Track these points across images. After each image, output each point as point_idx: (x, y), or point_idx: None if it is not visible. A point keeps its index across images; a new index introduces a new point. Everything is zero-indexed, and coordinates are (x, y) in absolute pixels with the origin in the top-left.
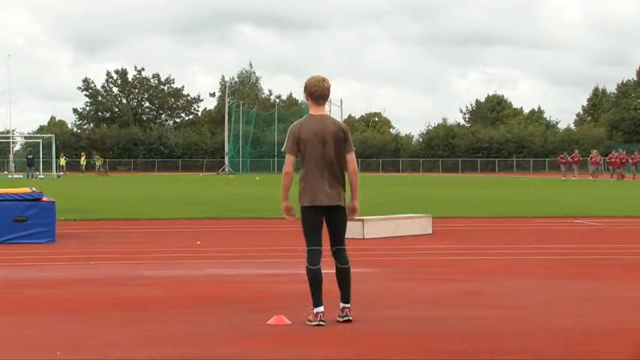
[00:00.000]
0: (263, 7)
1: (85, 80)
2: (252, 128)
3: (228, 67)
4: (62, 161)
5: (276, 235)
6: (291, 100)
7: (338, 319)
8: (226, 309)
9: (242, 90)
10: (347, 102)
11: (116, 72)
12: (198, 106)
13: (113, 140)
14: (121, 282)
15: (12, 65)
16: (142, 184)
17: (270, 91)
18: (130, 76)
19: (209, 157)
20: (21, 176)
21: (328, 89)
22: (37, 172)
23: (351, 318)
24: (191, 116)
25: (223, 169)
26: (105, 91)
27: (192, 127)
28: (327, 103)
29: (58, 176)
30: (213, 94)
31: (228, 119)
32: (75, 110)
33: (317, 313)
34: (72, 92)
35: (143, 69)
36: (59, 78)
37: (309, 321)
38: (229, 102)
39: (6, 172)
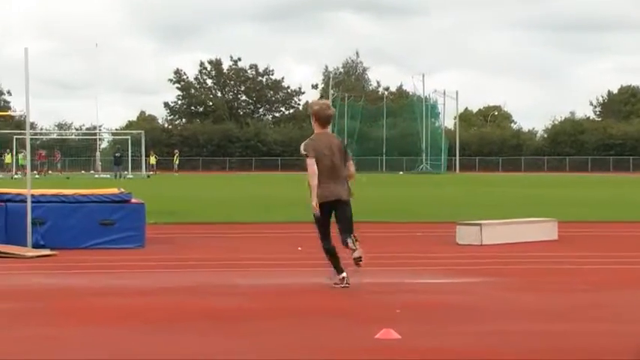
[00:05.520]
0: None
1: (177, 72)
2: (358, 123)
3: (330, 57)
4: (152, 159)
5: (383, 240)
6: (401, 93)
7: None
8: (328, 321)
9: (347, 81)
10: (460, 94)
11: (210, 62)
12: (299, 100)
13: (206, 136)
14: (213, 290)
15: (95, 57)
16: (238, 184)
17: (378, 82)
18: (224, 67)
19: None
20: (108, 176)
21: (332, 115)
22: (126, 172)
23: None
24: (291, 110)
25: None
26: (198, 84)
27: (293, 122)
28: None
29: (148, 176)
30: (315, 86)
31: None
32: (166, 104)
33: (342, 277)
34: (162, 85)
35: (239, 59)
36: (147, 70)
37: (336, 284)
38: (333, 94)
39: (92, 172)
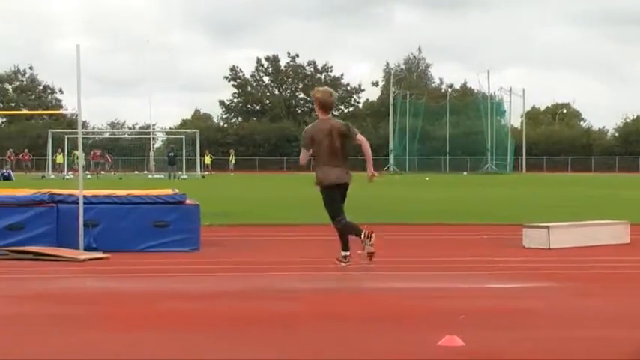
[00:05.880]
0: None
1: (233, 69)
2: (421, 122)
3: (391, 53)
4: (207, 159)
5: (447, 243)
6: (465, 90)
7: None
8: (387, 326)
9: (409, 78)
10: (527, 91)
11: (267, 59)
12: (359, 97)
13: (263, 136)
14: (270, 295)
15: (148, 53)
16: (296, 184)
17: (441, 79)
18: (282, 64)
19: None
20: (162, 176)
21: (335, 101)
22: (180, 172)
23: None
24: (351, 108)
25: (388, 169)
26: (254, 81)
27: (353, 120)
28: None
29: (203, 176)
30: (376, 84)
31: (393, 112)
32: (221, 102)
33: (345, 255)
34: (218, 82)
35: (297, 55)
36: (202, 67)
37: (339, 260)
38: (394, 92)
39: (146, 172)
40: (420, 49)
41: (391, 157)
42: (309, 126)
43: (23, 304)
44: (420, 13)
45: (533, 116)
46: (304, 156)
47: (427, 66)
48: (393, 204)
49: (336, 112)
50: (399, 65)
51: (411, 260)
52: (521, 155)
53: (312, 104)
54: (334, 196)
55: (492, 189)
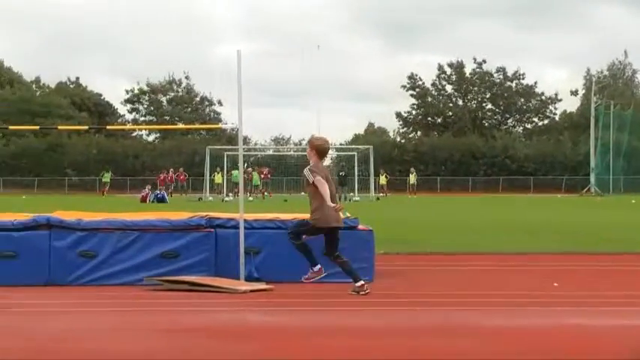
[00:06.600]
0: None
1: (411, 77)
2: (626, 136)
3: (592, 58)
4: (382, 179)
5: None
6: None
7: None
8: None
9: (613, 86)
10: None
11: (450, 66)
12: (555, 108)
13: (446, 152)
14: (451, 331)
15: (316, 61)
16: (483, 207)
17: None
18: (467, 71)
19: (569, 173)
20: None
21: (329, 148)
22: (352, 193)
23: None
24: (546, 121)
25: (588, 189)
26: (436, 91)
27: (548, 134)
28: None
29: (377, 198)
30: (575, 93)
31: (595, 124)
32: (398, 115)
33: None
34: (394, 92)
35: (484, 61)
36: (376, 75)
37: (307, 278)
38: (596, 102)
39: None
40: (625, 53)
41: (592, 176)
42: (313, 167)
43: (176, 339)
44: (626, 11)
45: None
46: (323, 181)
47: (634, 72)
48: (597, 229)
49: (529, 126)
50: (601, 72)
51: (618, 295)
52: None
53: (501, 117)
54: (320, 233)
55: None
